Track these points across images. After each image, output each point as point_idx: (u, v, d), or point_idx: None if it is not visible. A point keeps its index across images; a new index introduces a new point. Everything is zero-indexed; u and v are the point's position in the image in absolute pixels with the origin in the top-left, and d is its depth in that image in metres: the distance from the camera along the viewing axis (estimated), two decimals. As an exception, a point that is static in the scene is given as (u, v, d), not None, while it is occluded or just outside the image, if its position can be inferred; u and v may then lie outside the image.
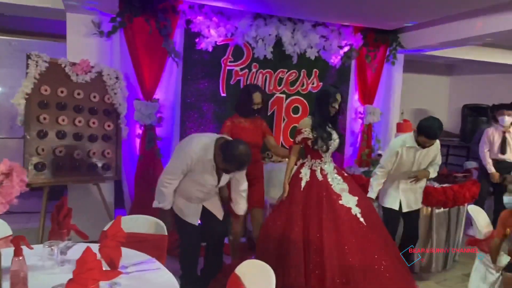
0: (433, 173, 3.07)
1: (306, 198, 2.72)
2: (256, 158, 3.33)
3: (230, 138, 2.64)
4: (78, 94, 3.30)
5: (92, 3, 3.31)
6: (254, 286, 1.68)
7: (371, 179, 3.10)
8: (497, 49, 5.50)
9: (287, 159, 4.16)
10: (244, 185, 2.79)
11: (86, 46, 3.61)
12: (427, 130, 2.81)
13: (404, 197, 3.05)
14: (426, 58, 5.81)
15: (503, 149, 4.30)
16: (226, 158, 2.40)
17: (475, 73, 6.96)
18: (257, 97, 3.18)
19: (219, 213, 2.83)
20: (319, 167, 2.81)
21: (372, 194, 3.03)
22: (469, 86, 7.07)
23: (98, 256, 1.51)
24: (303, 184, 2.78)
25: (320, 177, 2.79)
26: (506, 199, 2.60)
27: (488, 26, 3.76)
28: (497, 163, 4.35)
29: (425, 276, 3.43)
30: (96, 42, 3.66)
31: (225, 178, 2.66)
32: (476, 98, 6.63)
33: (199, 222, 2.80)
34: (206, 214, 2.78)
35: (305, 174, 2.82)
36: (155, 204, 2.65)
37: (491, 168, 4.27)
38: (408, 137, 2.99)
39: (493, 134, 4.38)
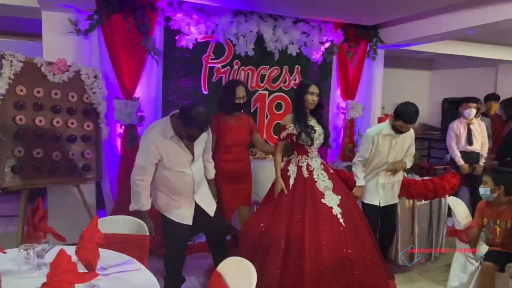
0: (408, 164, 3.14)
1: (293, 196, 2.74)
2: (244, 156, 3.30)
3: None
4: (56, 94, 3.22)
5: (68, 0, 3.24)
6: (236, 283, 1.68)
7: (353, 169, 3.17)
8: (476, 43, 5.61)
9: (271, 156, 4.20)
10: (210, 152, 2.86)
11: (63, 45, 3.54)
12: (403, 114, 2.89)
13: (382, 192, 3.11)
14: (406, 53, 5.88)
15: (469, 140, 4.42)
16: (186, 123, 2.37)
17: (455, 67, 7.09)
18: (240, 90, 3.15)
19: (211, 207, 2.74)
20: (305, 163, 2.82)
21: (360, 181, 3.10)
22: (449, 80, 7.19)
23: (75, 258, 1.49)
24: (291, 182, 2.79)
25: (306, 173, 2.81)
26: (482, 190, 2.66)
27: (467, 20, 3.82)
28: (467, 154, 4.46)
29: (409, 268, 3.48)
30: (73, 40, 3.59)
31: (198, 149, 2.59)
32: (456, 91, 6.74)
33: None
34: (199, 214, 2.68)
35: (292, 171, 2.83)
36: (132, 207, 2.56)
37: (460, 161, 4.38)
38: (384, 125, 3.07)
39: (458, 127, 4.49)
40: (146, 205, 2.54)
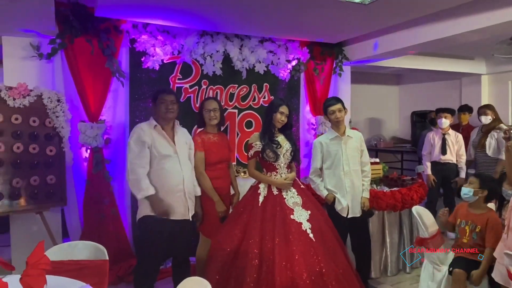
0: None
1: (263, 213, 2.73)
2: (227, 173, 3.22)
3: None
4: (16, 119, 3.14)
5: (28, 25, 3.21)
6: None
7: (312, 186, 3.24)
8: (440, 58, 5.82)
9: (242, 174, 4.20)
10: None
11: (25, 69, 3.46)
12: (325, 104, 3.21)
13: (350, 203, 3.08)
14: (374, 69, 6.04)
15: (443, 150, 4.51)
16: (155, 98, 2.84)
17: (422, 82, 7.33)
18: (210, 103, 3.10)
19: (190, 208, 2.85)
20: None
21: (323, 193, 3.15)
22: (417, 94, 7.42)
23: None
24: (261, 199, 2.80)
25: (275, 191, 2.84)
26: (465, 189, 2.68)
27: (425, 35, 3.96)
28: (441, 165, 4.54)
29: (382, 280, 3.48)
30: (35, 65, 3.51)
31: (179, 142, 2.83)
32: (423, 105, 6.95)
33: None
34: (174, 229, 2.75)
35: (263, 189, 2.85)
36: (139, 196, 2.66)
37: (427, 170, 4.46)
38: (328, 132, 3.25)
39: (433, 137, 4.60)
40: (150, 189, 2.64)
